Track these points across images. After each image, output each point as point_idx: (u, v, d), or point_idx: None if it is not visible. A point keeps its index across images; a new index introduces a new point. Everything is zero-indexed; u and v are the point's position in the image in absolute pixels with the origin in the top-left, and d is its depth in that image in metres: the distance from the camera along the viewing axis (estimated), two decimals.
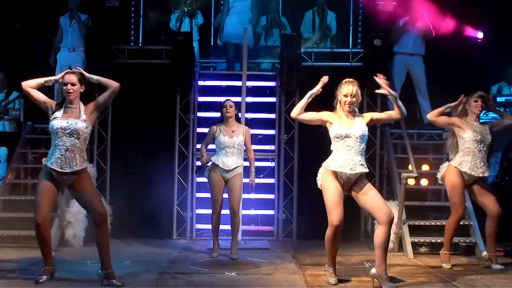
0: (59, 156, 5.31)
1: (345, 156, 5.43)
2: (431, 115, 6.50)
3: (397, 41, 9.04)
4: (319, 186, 5.60)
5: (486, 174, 6.44)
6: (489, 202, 6.42)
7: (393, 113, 5.60)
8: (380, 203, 5.41)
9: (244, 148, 7.12)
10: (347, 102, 5.45)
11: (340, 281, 5.60)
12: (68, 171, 5.32)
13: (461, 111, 6.53)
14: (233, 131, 6.99)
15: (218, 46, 10.09)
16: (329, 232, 5.46)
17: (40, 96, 5.46)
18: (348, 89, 5.46)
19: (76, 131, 5.32)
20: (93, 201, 5.43)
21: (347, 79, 5.54)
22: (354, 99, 5.46)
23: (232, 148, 6.95)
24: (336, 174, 5.46)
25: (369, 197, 5.44)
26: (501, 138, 8.57)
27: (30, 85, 5.42)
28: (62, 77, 5.43)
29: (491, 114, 8.67)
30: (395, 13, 9.25)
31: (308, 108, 5.60)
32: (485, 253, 6.56)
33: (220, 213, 7.02)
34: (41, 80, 5.46)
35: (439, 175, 6.69)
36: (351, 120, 5.49)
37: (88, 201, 5.44)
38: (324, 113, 5.56)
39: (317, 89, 5.52)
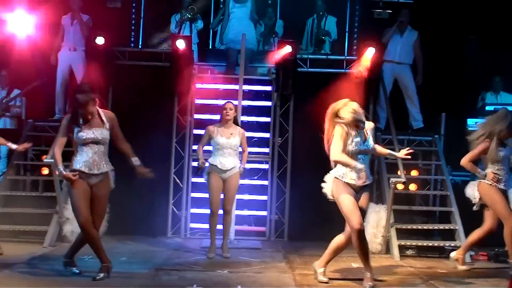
0: (87, 159, 5.66)
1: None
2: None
3: (385, 48, 9.21)
4: (329, 196, 5.78)
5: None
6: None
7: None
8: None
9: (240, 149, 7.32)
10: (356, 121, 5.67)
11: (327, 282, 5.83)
12: (97, 172, 5.70)
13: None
14: (231, 134, 7.17)
15: (216, 50, 10.26)
16: (353, 237, 5.63)
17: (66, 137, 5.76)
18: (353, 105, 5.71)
19: (102, 139, 5.72)
20: (95, 215, 5.74)
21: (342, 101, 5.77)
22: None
23: (229, 149, 7.13)
24: (347, 183, 5.69)
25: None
26: None
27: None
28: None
29: None
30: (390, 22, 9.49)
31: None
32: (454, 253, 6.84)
33: (217, 214, 7.17)
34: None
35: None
36: (361, 134, 5.73)
37: (94, 210, 5.74)
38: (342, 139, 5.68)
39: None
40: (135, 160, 5.92)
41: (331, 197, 5.79)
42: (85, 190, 5.68)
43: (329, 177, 5.80)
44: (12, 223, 7.69)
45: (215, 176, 7.12)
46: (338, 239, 5.89)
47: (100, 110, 5.80)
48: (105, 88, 8.84)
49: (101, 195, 5.78)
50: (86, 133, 5.65)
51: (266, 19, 10.23)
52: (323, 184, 5.83)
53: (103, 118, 5.76)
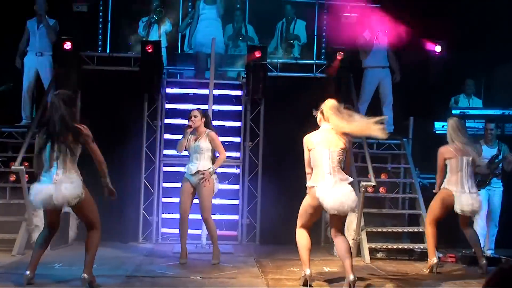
0: None
1: None
2: None
3: (367, 55, 9.32)
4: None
5: None
6: None
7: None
8: None
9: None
10: None
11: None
12: None
13: None
14: (197, 137, 7.11)
15: (186, 53, 10.22)
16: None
17: None
18: None
19: None
20: None
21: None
22: None
23: (196, 154, 7.05)
24: None
25: None
26: None
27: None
28: None
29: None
30: (359, 26, 9.58)
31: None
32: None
33: (187, 219, 7.12)
34: None
35: None
36: None
37: None
38: None
39: None
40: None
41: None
42: None
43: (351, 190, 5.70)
44: None
45: (185, 181, 7.11)
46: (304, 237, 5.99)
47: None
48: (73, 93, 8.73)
49: None
50: None
51: (234, 22, 10.25)
52: (349, 198, 5.59)
53: None
